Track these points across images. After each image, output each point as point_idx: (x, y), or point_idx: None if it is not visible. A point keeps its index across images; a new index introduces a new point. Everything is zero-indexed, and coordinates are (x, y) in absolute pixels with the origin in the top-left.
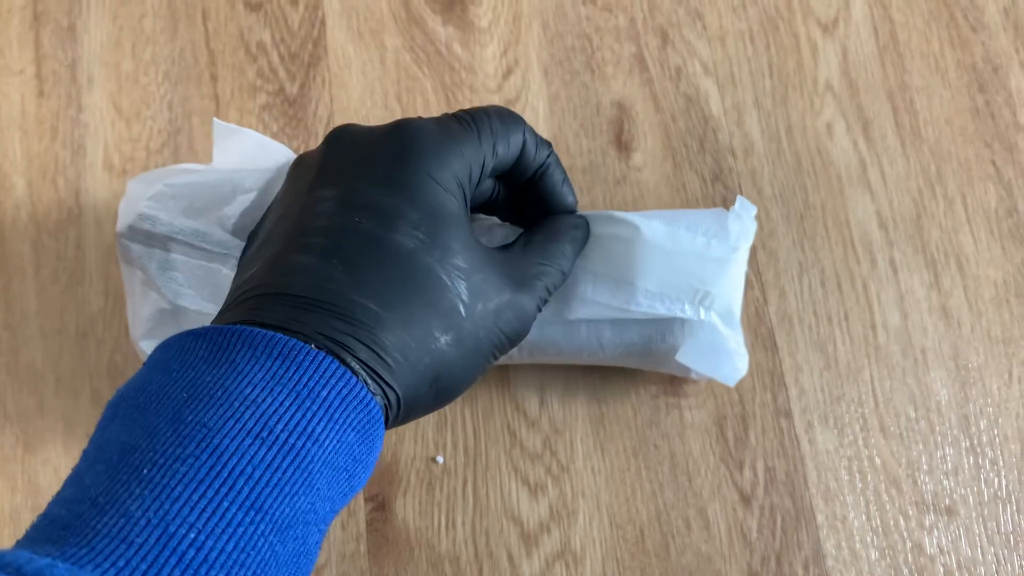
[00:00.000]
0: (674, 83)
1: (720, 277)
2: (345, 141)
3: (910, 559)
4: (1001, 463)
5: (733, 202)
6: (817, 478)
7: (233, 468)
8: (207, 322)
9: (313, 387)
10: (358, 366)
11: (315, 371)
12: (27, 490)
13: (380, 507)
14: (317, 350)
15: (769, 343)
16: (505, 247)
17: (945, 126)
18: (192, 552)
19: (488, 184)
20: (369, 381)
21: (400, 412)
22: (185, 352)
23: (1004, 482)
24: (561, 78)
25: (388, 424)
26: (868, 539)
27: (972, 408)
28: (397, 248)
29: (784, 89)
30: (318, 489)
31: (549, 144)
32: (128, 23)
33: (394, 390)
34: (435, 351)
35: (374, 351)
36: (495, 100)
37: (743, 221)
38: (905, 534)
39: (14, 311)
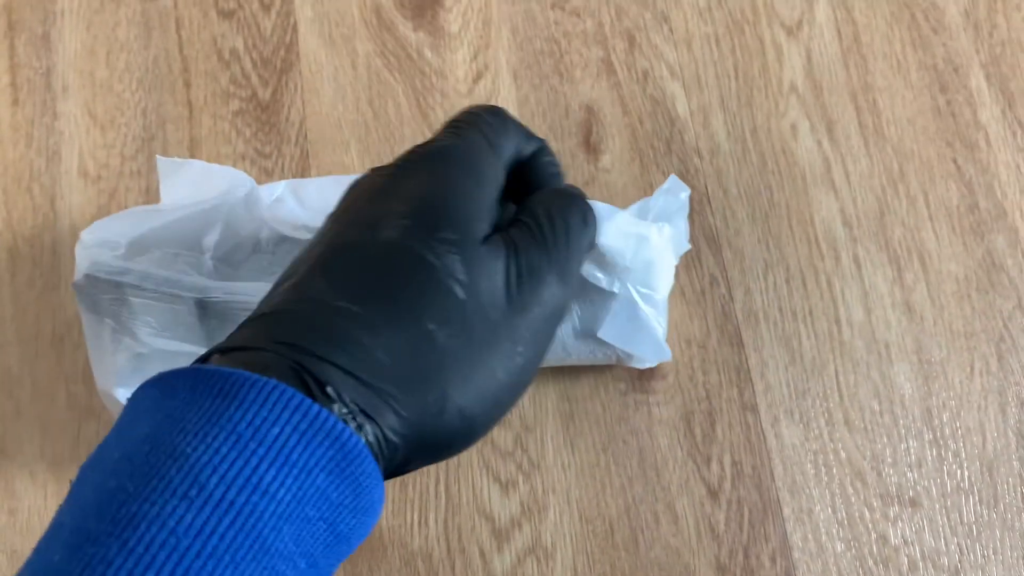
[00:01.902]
0: (641, 86)
1: (639, 253)
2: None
3: (875, 550)
4: (963, 455)
5: (699, 203)
6: (783, 472)
7: (152, 541)
8: (186, 362)
9: (259, 426)
10: (332, 390)
11: (261, 405)
12: (3, 494)
13: None
14: (265, 378)
15: (735, 339)
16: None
17: (907, 125)
18: None
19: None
20: (345, 405)
21: (407, 439)
22: (135, 402)
23: (967, 473)
24: (530, 82)
25: (391, 458)
26: (834, 531)
27: (935, 401)
28: (378, 243)
29: (749, 91)
30: (277, 549)
31: (539, 139)
32: (102, 31)
33: (390, 410)
34: (433, 348)
35: (354, 355)
36: (465, 103)
37: (671, 198)
38: (870, 526)
39: None
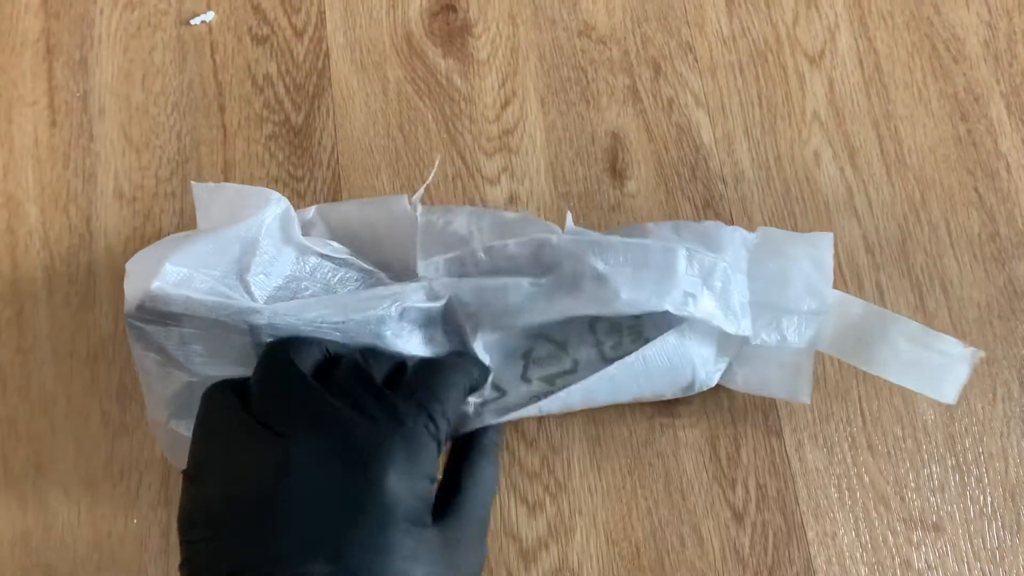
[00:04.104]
0: (666, 113)
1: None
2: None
3: (899, 574)
4: (986, 480)
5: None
6: (807, 495)
7: None
8: None
9: None
10: None
11: None
12: (38, 510)
13: None
14: None
15: None
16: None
17: (929, 154)
18: None
19: None
20: None
21: None
22: None
23: (989, 499)
24: (557, 108)
25: None
26: (858, 555)
27: (957, 427)
28: None
29: (773, 119)
30: None
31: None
32: (138, 55)
33: None
34: None
35: None
36: (493, 129)
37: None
38: (894, 550)
39: (27, 335)
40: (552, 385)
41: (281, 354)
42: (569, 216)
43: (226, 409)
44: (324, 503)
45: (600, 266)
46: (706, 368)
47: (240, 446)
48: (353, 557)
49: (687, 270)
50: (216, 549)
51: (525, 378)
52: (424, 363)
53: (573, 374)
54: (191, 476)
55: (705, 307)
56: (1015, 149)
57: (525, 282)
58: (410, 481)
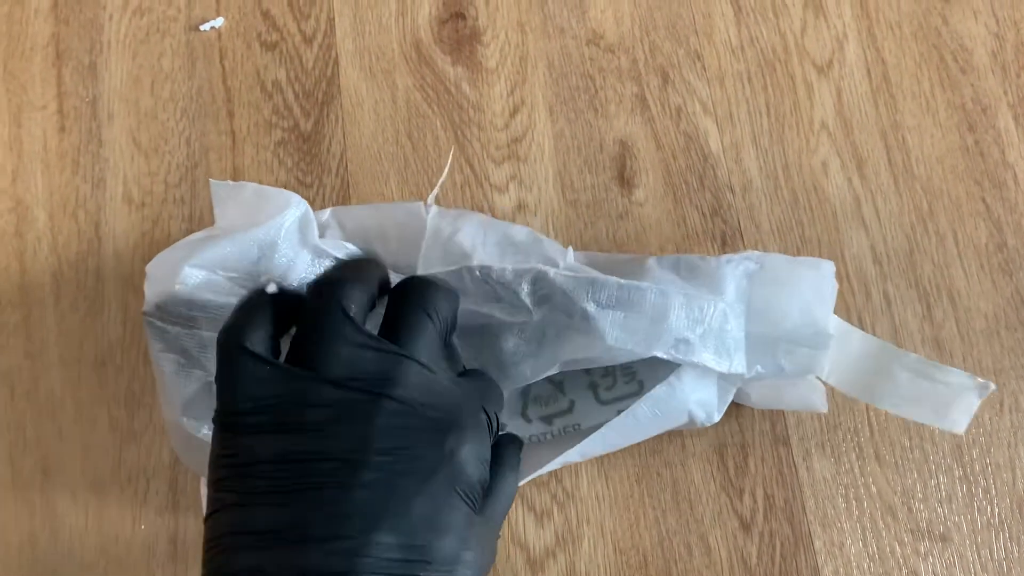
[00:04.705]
0: (674, 122)
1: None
2: None
3: None
4: (993, 491)
5: (731, 237)
6: (815, 505)
7: None
8: None
9: None
10: None
11: None
12: (45, 515)
13: None
14: None
15: None
16: None
17: (936, 164)
18: None
19: None
20: None
21: None
22: None
23: (996, 510)
24: (566, 116)
25: None
26: (865, 565)
27: (965, 438)
28: None
29: (781, 128)
30: None
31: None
32: (147, 61)
33: None
34: None
35: None
36: (502, 137)
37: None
38: (901, 560)
39: (34, 340)
40: (550, 424)
41: (334, 306)
42: (570, 250)
43: (266, 362)
44: (396, 467)
45: (591, 307)
46: (706, 409)
47: (300, 405)
48: (418, 531)
49: (681, 317)
50: (260, 508)
51: (525, 416)
52: (474, 371)
53: (569, 414)
54: (226, 425)
55: (697, 353)
56: (1023, 160)
57: (511, 339)
58: (477, 460)
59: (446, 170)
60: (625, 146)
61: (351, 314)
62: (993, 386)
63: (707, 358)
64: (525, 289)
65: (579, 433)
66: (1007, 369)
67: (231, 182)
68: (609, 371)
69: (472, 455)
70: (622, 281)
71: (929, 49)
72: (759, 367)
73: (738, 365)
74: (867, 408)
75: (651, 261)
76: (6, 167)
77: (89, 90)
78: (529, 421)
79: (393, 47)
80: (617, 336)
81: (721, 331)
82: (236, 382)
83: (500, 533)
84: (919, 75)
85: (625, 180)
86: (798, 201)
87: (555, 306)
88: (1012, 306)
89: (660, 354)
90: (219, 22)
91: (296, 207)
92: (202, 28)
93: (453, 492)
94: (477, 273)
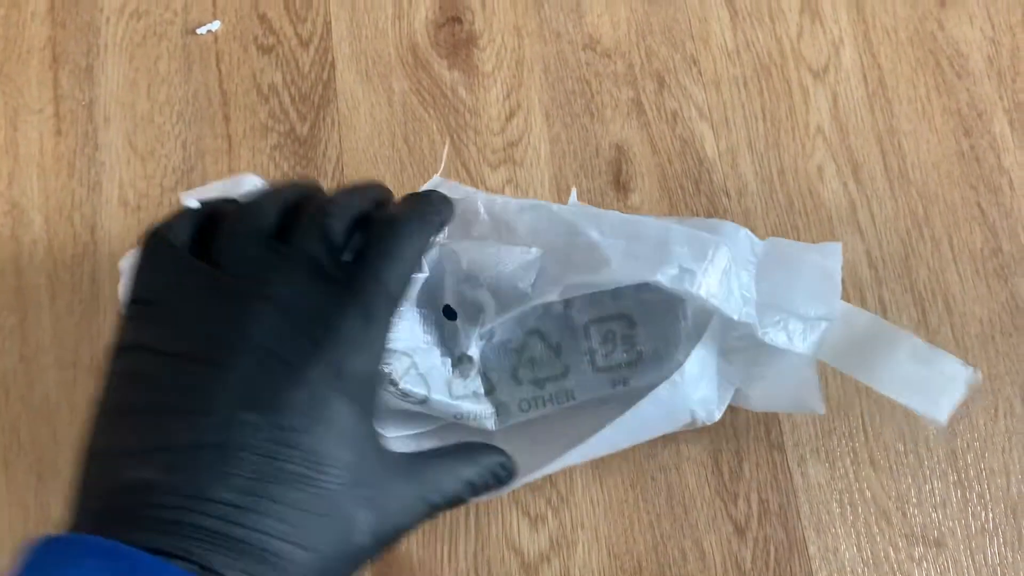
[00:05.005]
0: (670, 126)
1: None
2: None
3: None
4: (988, 497)
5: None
6: (809, 510)
7: None
8: None
9: None
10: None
11: None
12: (39, 518)
13: None
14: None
15: None
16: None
17: (932, 169)
18: None
19: None
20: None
21: None
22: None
23: (991, 515)
24: (562, 121)
25: None
26: (859, 570)
27: (959, 443)
28: None
29: (777, 132)
30: None
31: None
32: (144, 65)
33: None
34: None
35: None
36: (498, 141)
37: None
38: (895, 566)
39: (30, 343)
40: (542, 389)
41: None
42: (573, 192)
43: (175, 252)
44: (270, 363)
45: (594, 235)
46: (707, 408)
47: (190, 294)
48: (286, 414)
49: (684, 249)
50: (120, 391)
51: (515, 377)
52: (382, 220)
53: (563, 379)
54: (131, 316)
55: (704, 285)
56: (1018, 165)
57: (517, 250)
58: (358, 358)
59: (441, 166)
60: (621, 150)
61: (262, 215)
62: (979, 376)
63: (717, 294)
64: (529, 225)
65: (570, 403)
66: (1002, 374)
67: (198, 188)
68: (609, 336)
69: (349, 352)
70: (624, 215)
71: (925, 54)
72: (771, 333)
73: (748, 315)
74: (862, 413)
75: (652, 216)
76: (2, 170)
77: (85, 93)
78: (520, 383)
79: (389, 51)
80: (620, 261)
81: (727, 274)
82: (140, 269)
83: (426, 513)
84: (915, 80)
85: (621, 184)
86: (793, 206)
87: (557, 236)
88: (1007, 311)
89: (664, 280)
90: (215, 25)
91: (250, 184)
92: (198, 31)
93: (332, 386)
94: (483, 213)
